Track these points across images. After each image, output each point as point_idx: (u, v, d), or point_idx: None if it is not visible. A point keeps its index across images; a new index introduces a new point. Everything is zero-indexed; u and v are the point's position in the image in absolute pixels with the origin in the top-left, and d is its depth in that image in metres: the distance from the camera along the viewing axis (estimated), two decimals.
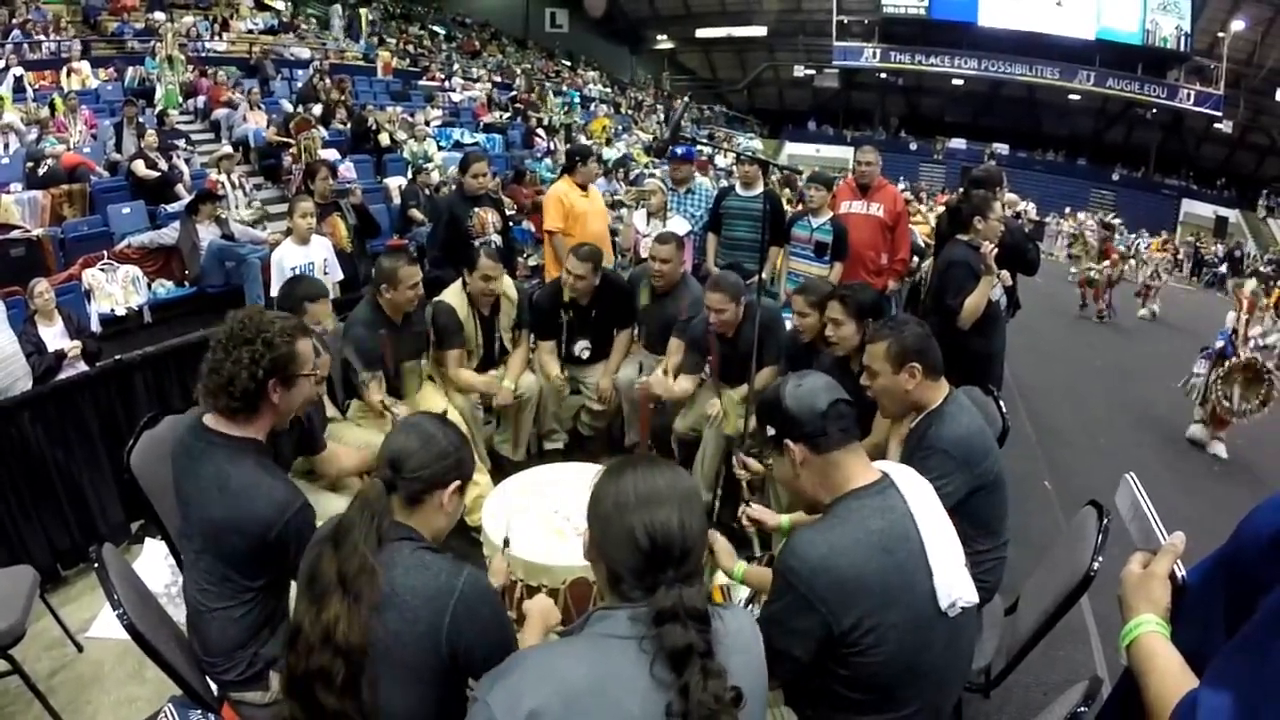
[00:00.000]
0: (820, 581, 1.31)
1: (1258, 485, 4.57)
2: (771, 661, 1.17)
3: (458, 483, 1.38)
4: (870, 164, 4.44)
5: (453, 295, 3.31)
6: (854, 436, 1.46)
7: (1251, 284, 5.37)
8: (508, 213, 5.32)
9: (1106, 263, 9.86)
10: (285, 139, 8.21)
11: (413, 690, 1.22)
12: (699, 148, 12.27)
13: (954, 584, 1.37)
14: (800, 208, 4.73)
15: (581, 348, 3.61)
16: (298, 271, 3.92)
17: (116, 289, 5.84)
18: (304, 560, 1.29)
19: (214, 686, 1.68)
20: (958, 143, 26.23)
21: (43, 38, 10.49)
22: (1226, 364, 4.99)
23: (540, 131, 12.65)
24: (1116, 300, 10.08)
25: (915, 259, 5.25)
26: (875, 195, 4.42)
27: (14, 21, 10.44)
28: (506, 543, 1.92)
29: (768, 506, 2.62)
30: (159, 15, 11.79)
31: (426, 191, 7.52)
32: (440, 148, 9.76)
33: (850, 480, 1.43)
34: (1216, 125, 22.36)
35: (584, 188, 4.38)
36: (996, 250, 3.11)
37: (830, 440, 1.42)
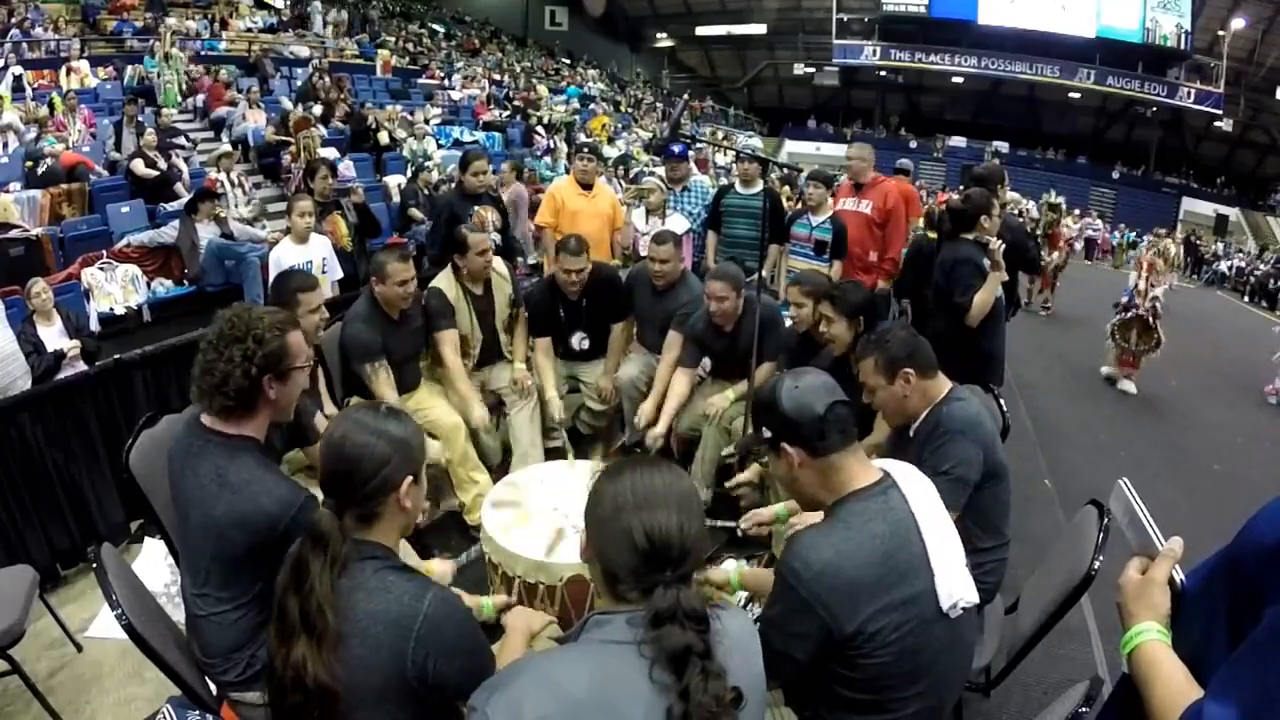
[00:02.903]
0: (824, 585, 1.30)
1: (1258, 487, 4.56)
2: (772, 663, 1.17)
3: (410, 478, 1.29)
4: (853, 158, 4.49)
5: (443, 281, 3.32)
6: (853, 438, 1.44)
7: (1148, 252, 6.50)
8: (508, 211, 5.32)
9: (1056, 253, 9.41)
10: (284, 137, 8.20)
11: (384, 713, 1.19)
12: (698, 145, 12.25)
13: (955, 585, 1.36)
14: (800, 206, 4.73)
15: (579, 339, 3.61)
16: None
17: (115, 288, 5.83)
18: (277, 579, 1.26)
19: (213, 687, 1.68)
20: (958, 141, 26.22)
21: (42, 35, 10.48)
22: (1125, 315, 6.22)
23: (540, 129, 12.63)
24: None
25: None
26: (867, 192, 4.46)
27: (13, 20, 10.43)
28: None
29: (768, 504, 2.63)
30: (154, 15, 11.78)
31: (426, 190, 7.51)
32: (440, 146, 9.75)
33: (851, 481, 1.41)
34: (1217, 123, 22.37)
35: (587, 187, 4.37)
36: (1003, 246, 3.10)
37: (829, 444, 1.40)
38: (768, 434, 1.47)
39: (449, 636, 1.21)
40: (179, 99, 9.63)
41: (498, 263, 3.45)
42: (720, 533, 2.50)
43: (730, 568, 1.92)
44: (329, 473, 1.26)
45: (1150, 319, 6.12)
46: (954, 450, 1.86)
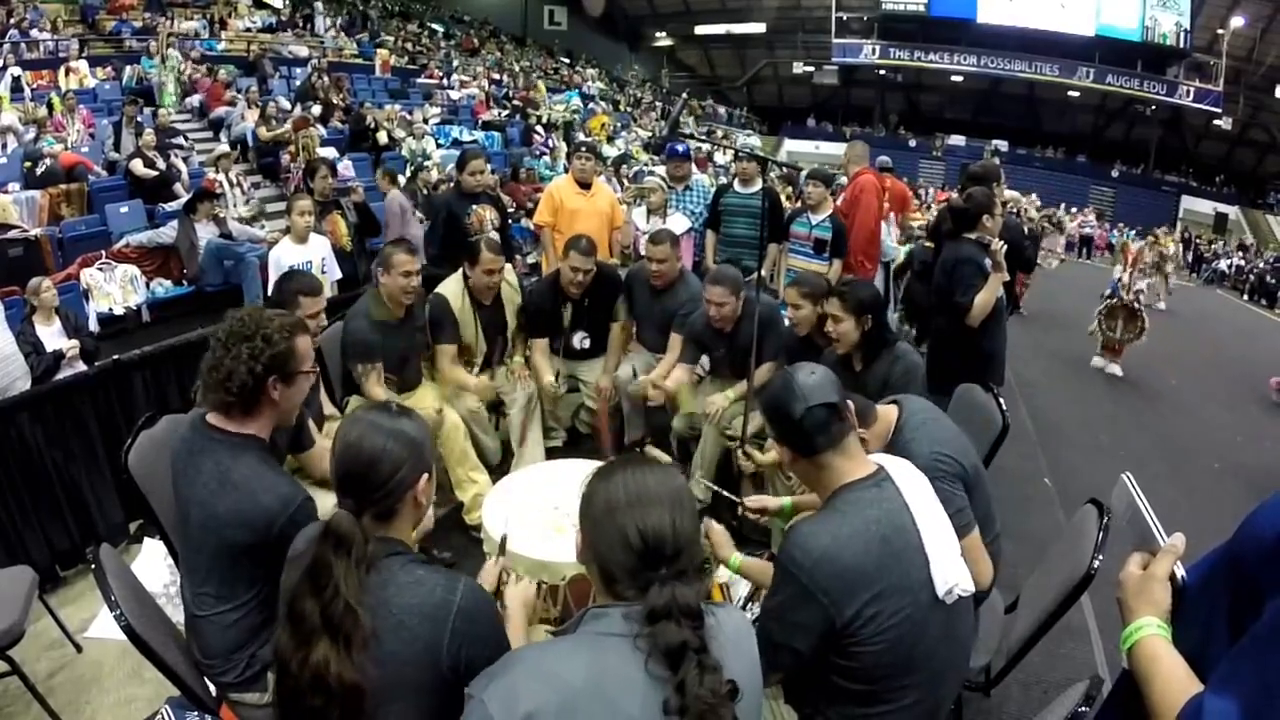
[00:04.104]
0: (822, 572, 1.32)
1: (1258, 484, 4.57)
2: (773, 655, 1.18)
3: (425, 475, 1.31)
4: (844, 155, 4.84)
5: (450, 287, 3.30)
6: (842, 435, 1.45)
7: (1137, 244, 7.20)
8: (507, 210, 5.31)
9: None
10: (277, 134, 8.20)
11: (414, 707, 1.19)
12: (696, 144, 12.25)
13: (950, 572, 1.38)
14: (799, 205, 4.74)
15: (580, 338, 3.61)
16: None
17: (115, 288, 5.83)
18: (284, 584, 1.25)
19: (212, 687, 1.67)
20: (957, 139, 26.19)
21: (41, 36, 10.47)
22: (1111, 302, 6.64)
23: (539, 129, 12.62)
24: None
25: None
26: (847, 187, 4.60)
27: (12, 21, 10.42)
28: (504, 543, 1.89)
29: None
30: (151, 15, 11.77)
31: (424, 190, 7.50)
32: (439, 145, 9.75)
33: (843, 476, 1.45)
34: (1216, 122, 22.36)
35: (585, 186, 4.37)
36: (1005, 247, 3.10)
37: (814, 445, 1.44)
38: (769, 428, 1.53)
39: (481, 625, 1.24)
40: (175, 99, 9.62)
41: (510, 273, 3.43)
42: (727, 505, 2.48)
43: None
44: (346, 475, 1.26)
45: (1135, 307, 6.55)
46: (947, 490, 1.74)
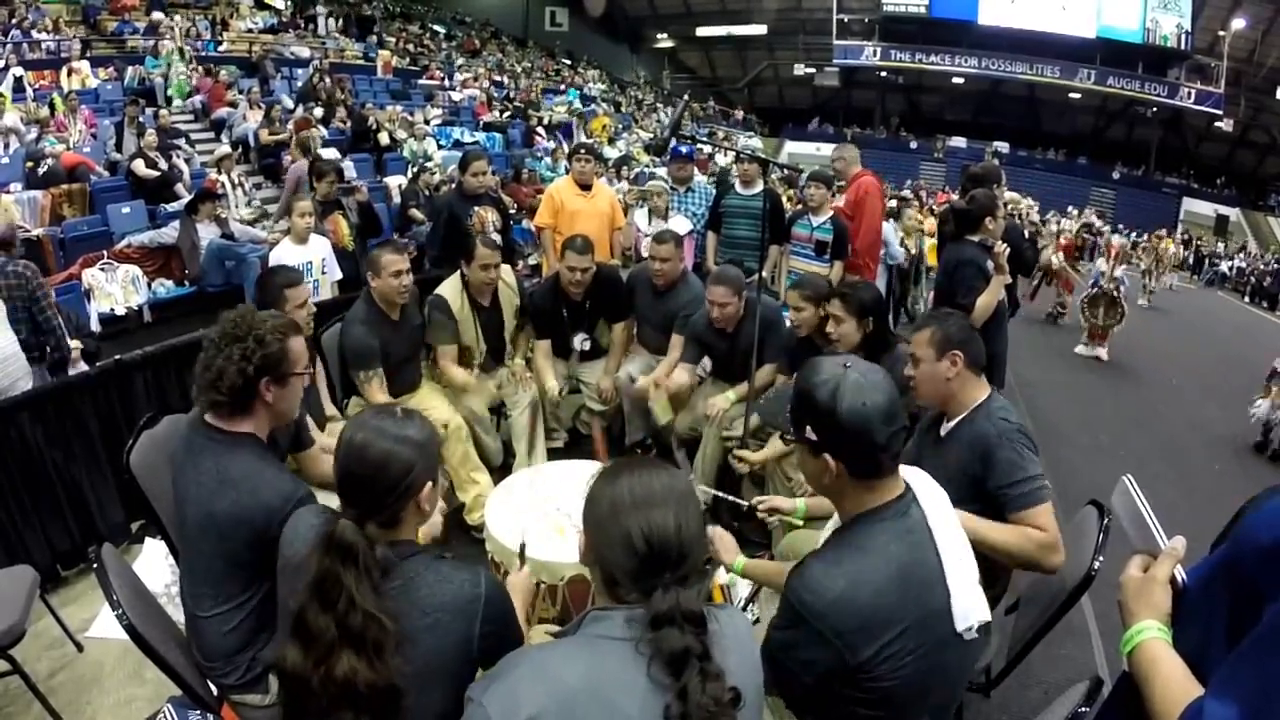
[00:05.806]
0: (837, 615, 1.23)
1: (1258, 486, 4.55)
2: (778, 682, 1.15)
3: (430, 482, 1.29)
4: (835, 159, 4.74)
5: (448, 288, 3.30)
6: (899, 459, 1.35)
7: (1118, 239, 7.87)
8: (509, 212, 5.31)
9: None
10: (279, 136, 8.21)
11: (445, 697, 1.21)
12: (698, 145, 12.25)
13: (971, 607, 1.31)
14: (800, 206, 4.74)
15: (581, 340, 3.61)
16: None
17: (116, 289, 5.83)
18: (284, 595, 1.24)
19: (213, 687, 1.67)
20: (958, 141, 26.20)
21: (42, 37, 10.48)
22: (1093, 292, 7.32)
23: (540, 130, 12.63)
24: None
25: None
26: (847, 189, 4.60)
27: (13, 21, 10.44)
28: (523, 552, 1.89)
29: (766, 494, 2.62)
30: (158, 15, 11.78)
31: (426, 191, 7.51)
32: (440, 146, 9.76)
33: (877, 498, 1.33)
34: (1217, 124, 22.36)
35: (586, 187, 4.38)
36: (1008, 250, 3.10)
37: (883, 470, 1.31)
38: (813, 437, 1.33)
39: (504, 612, 1.30)
40: (187, 88, 9.66)
41: (507, 273, 3.43)
42: (728, 507, 2.46)
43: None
44: (351, 481, 1.24)
45: (1115, 295, 7.19)
46: (1009, 460, 1.88)
